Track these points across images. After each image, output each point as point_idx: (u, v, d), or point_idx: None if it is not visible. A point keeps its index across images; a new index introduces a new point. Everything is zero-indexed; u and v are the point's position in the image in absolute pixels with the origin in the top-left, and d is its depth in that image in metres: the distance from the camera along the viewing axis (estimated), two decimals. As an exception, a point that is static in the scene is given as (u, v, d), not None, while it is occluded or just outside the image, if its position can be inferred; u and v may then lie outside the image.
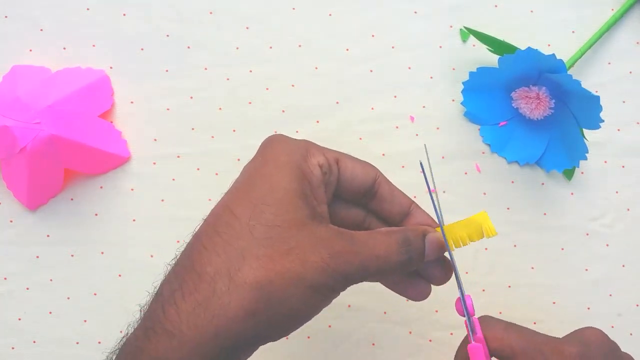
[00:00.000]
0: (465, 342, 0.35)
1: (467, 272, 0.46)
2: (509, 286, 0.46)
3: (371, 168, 0.35)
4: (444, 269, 0.35)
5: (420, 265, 0.33)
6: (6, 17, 0.46)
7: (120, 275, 0.45)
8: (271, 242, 0.29)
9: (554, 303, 0.46)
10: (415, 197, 0.36)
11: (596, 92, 0.46)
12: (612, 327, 0.46)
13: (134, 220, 0.46)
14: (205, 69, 0.46)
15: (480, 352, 0.32)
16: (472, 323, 0.33)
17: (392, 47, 0.47)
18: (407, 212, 0.35)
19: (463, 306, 0.33)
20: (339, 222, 0.34)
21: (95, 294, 0.45)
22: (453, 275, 0.35)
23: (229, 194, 0.32)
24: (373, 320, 0.46)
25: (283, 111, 0.46)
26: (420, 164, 0.34)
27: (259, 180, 0.31)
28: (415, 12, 0.47)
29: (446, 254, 0.35)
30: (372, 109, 0.46)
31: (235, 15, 0.46)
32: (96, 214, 0.46)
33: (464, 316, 0.33)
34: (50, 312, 0.45)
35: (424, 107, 0.46)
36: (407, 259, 0.32)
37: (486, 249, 0.46)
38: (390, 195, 0.35)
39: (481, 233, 0.34)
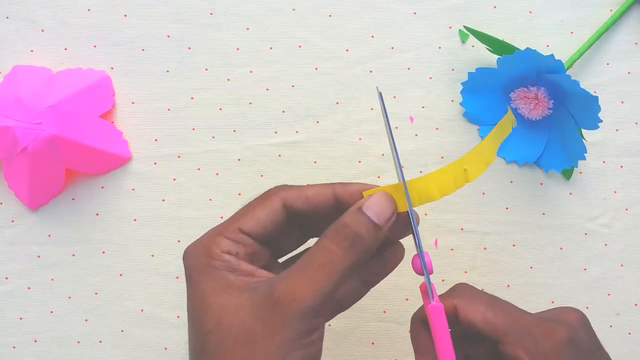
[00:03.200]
0: (422, 308, 0.33)
1: (465, 272, 0.46)
2: (508, 286, 0.46)
3: (325, 187, 0.33)
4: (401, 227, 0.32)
5: (381, 239, 0.31)
6: (7, 17, 0.46)
7: (121, 275, 0.46)
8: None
9: (552, 302, 0.46)
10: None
11: (595, 92, 0.46)
12: (611, 326, 0.46)
13: (134, 220, 0.46)
14: (206, 69, 0.46)
15: (441, 312, 0.31)
16: (430, 283, 0.31)
17: (392, 48, 0.47)
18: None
19: (422, 262, 0.31)
20: None
21: (96, 294, 0.46)
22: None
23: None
24: (373, 320, 0.46)
25: (283, 111, 0.46)
26: (379, 93, 0.32)
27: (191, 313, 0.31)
28: (415, 13, 0.47)
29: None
30: (372, 109, 0.47)
31: (236, 16, 0.47)
32: (97, 214, 0.46)
33: (422, 274, 0.31)
34: (52, 312, 0.46)
35: (423, 107, 0.47)
36: (360, 251, 0.30)
37: (485, 248, 0.46)
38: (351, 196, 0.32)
39: (458, 181, 0.31)
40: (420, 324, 0.33)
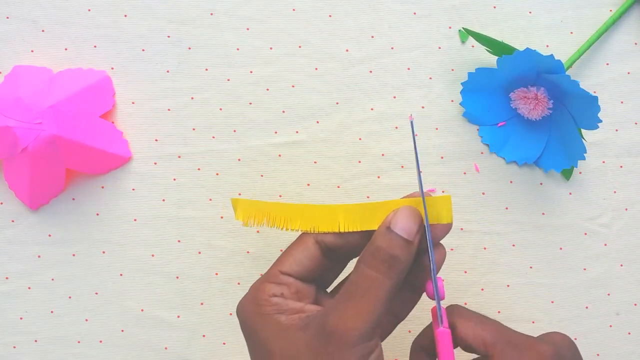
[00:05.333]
0: (429, 328, 0.35)
1: (465, 272, 0.46)
2: (508, 285, 0.46)
3: None
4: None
5: (414, 253, 0.33)
6: (8, 17, 0.46)
7: (121, 275, 0.46)
8: None
9: (552, 302, 0.46)
10: (414, 196, 0.36)
11: (594, 92, 0.46)
12: (610, 326, 0.46)
13: (135, 220, 0.46)
14: (206, 69, 0.46)
15: (448, 337, 0.32)
16: (441, 308, 0.33)
17: (392, 48, 0.47)
18: None
19: (434, 289, 0.33)
20: None
21: (96, 293, 0.46)
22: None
23: None
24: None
25: (283, 112, 0.46)
26: (411, 122, 0.34)
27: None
28: (415, 13, 0.47)
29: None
30: (372, 109, 0.47)
31: (236, 16, 0.47)
32: (97, 214, 0.46)
33: (434, 299, 0.33)
34: (52, 312, 0.46)
35: (423, 107, 0.47)
36: (397, 272, 0.31)
37: (485, 248, 0.46)
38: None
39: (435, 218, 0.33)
40: (420, 350, 0.35)
